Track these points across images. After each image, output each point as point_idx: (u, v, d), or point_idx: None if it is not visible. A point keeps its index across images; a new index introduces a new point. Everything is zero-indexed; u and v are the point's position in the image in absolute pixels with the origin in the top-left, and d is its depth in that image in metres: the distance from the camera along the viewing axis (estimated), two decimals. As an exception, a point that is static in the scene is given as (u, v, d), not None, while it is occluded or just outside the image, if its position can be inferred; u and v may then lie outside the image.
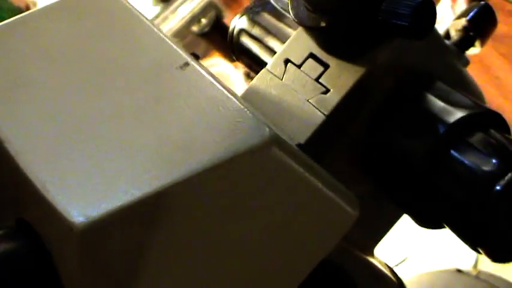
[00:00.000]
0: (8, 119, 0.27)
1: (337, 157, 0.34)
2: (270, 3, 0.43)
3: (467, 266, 0.68)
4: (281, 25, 0.41)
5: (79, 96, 0.28)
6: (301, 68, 0.35)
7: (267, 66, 0.37)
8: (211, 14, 1.04)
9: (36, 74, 0.30)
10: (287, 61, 0.36)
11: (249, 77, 1.02)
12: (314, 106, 0.33)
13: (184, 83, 0.28)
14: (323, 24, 0.32)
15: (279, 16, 0.42)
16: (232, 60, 1.06)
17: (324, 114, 0.33)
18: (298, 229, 0.27)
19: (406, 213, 0.34)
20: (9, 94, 0.29)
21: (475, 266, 0.68)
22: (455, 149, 0.30)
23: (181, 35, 1.04)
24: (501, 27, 0.89)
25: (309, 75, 0.35)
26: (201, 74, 0.28)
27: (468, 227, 0.30)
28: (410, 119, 0.32)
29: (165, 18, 1.03)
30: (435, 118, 0.31)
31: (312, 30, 0.33)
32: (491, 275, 0.63)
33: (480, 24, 0.36)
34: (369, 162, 0.35)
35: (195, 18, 1.03)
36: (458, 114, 0.31)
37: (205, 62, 1.12)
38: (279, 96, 0.35)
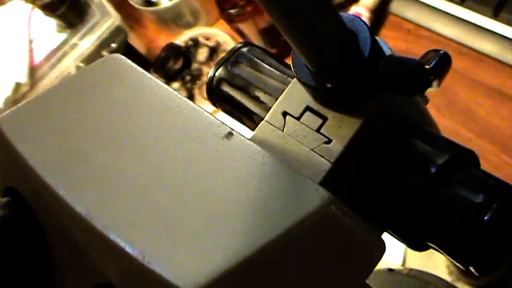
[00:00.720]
0: (83, 193, 0.30)
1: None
2: (245, 55, 0.48)
3: (397, 263, 0.76)
4: (261, 76, 0.46)
5: (141, 169, 0.31)
6: (301, 120, 0.40)
7: (266, 118, 0.41)
8: (120, 37, 1.05)
9: (90, 147, 0.32)
10: (285, 114, 0.41)
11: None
12: (319, 155, 0.38)
13: (234, 153, 0.32)
14: (329, 85, 0.37)
15: (256, 66, 0.47)
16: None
17: (330, 162, 0.38)
18: (345, 269, 0.32)
19: (396, 238, 0.40)
20: (73, 167, 0.31)
21: (403, 263, 0.76)
22: (446, 185, 0.37)
23: (91, 59, 1.05)
24: (400, 44, 0.98)
25: (309, 127, 0.39)
26: (246, 142, 0.32)
27: (459, 250, 0.37)
28: (402, 160, 0.38)
29: (74, 45, 1.04)
30: (426, 160, 0.37)
31: (316, 90, 0.38)
32: (422, 272, 0.71)
33: (441, 70, 0.43)
34: (361, 196, 0.40)
35: (104, 43, 1.04)
36: (444, 156, 0.37)
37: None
38: (283, 147, 0.40)
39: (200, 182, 0.30)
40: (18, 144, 0.34)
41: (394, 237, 0.40)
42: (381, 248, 0.33)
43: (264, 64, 0.46)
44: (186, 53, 1.09)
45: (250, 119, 0.46)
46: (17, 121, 0.35)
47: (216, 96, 0.48)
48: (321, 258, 0.30)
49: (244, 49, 0.48)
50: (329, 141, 0.38)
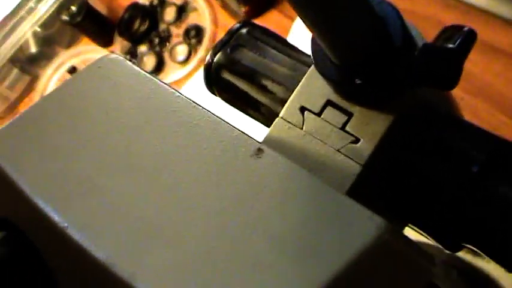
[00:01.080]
0: (99, 233, 0.26)
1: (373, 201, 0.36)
2: (246, 37, 0.43)
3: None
4: (267, 61, 0.41)
5: (160, 199, 0.27)
6: (322, 116, 0.36)
7: (281, 115, 0.37)
8: (80, 1, 0.98)
9: (97, 172, 0.28)
10: (303, 109, 0.37)
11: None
12: (347, 156, 0.34)
13: (269, 175, 0.28)
14: (358, 81, 0.33)
15: (261, 51, 0.42)
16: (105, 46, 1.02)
17: (360, 164, 0.34)
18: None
19: (430, 239, 0.37)
20: (81, 199, 0.27)
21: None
22: (487, 182, 0.33)
23: (50, 25, 0.98)
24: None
25: (332, 124, 0.35)
26: (279, 160, 0.28)
27: (502, 252, 0.34)
28: (438, 155, 0.35)
29: (30, 9, 0.96)
30: (465, 156, 0.34)
31: (340, 85, 0.34)
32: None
33: (467, 50, 0.39)
34: (393, 196, 0.37)
35: (63, 6, 0.97)
36: (484, 151, 0.34)
37: (76, 50, 1.06)
38: (304, 147, 0.36)
39: (235, 216, 0.26)
40: (12, 170, 0.29)
41: (428, 237, 0.37)
42: (432, 266, 0.30)
43: (268, 48, 0.42)
44: (152, 12, 1.02)
45: (256, 110, 0.42)
46: (8, 142, 0.30)
47: (216, 85, 0.43)
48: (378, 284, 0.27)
49: (244, 30, 0.43)
50: (356, 140, 0.34)
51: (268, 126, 0.42)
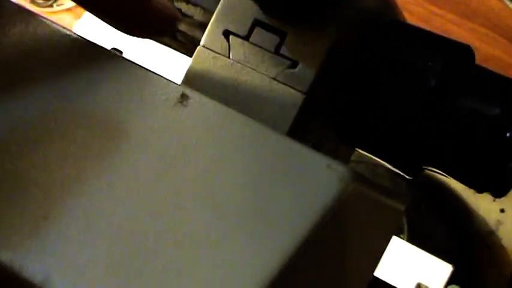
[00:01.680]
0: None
1: (313, 127, 0.31)
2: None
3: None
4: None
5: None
6: (251, 40, 0.30)
7: (202, 43, 0.31)
8: None
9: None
10: (227, 33, 0.31)
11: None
12: (286, 84, 0.29)
13: (197, 126, 0.23)
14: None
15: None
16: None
17: (302, 92, 0.29)
18: (369, 239, 0.25)
19: (388, 163, 0.33)
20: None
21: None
22: (449, 97, 0.29)
23: None
24: None
25: (264, 48, 0.30)
26: (209, 105, 0.23)
27: (473, 173, 0.30)
28: (389, 71, 0.30)
29: None
30: (418, 68, 0.29)
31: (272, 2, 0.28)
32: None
33: None
34: (341, 119, 0.32)
35: None
36: (439, 61, 0.29)
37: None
38: (234, 78, 0.30)
39: (164, 184, 0.21)
40: None
41: (385, 162, 0.33)
42: (401, 209, 0.26)
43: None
44: None
45: (173, 38, 0.36)
46: None
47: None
48: (349, 240, 0.22)
49: None
50: (294, 64, 0.29)
51: (188, 53, 0.36)
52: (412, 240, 0.62)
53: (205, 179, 0.21)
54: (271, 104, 0.29)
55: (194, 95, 0.23)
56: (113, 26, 0.27)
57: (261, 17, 0.30)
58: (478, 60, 0.69)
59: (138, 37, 0.28)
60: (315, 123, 0.31)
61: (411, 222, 0.62)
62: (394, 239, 0.61)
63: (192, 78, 0.31)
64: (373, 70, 0.30)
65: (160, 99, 0.23)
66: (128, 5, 0.25)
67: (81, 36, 0.24)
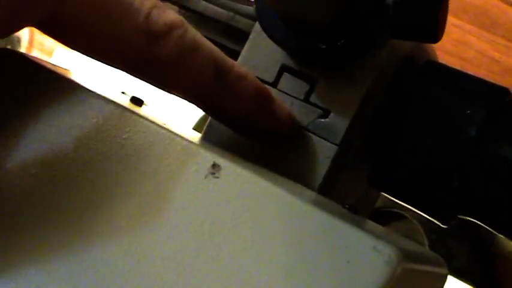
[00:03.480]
0: None
1: (345, 173, 0.30)
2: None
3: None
4: (196, 16, 0.34)
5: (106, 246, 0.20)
6: (278, 87, 0.29)
7: (227, 89, 0.29)
8: None
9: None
10: (254, 79, 0.29)
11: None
12: (317, 135, 0.28)
13: (231, 200, 0.21)
14: (322, 46, 0.26)
15: (189, 2, 0.34)
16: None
17: (336, 144, 0.27)
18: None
19: (421, 212, 0.32)
20: None
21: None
22: (488, 146, 0.28)
23: None
24: None
25: (292, 95, 0.28)
26: (242, 176, 0.21)
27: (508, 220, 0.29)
28: (426, 119, 0.28)
29: None
30: (459, 117, 0.28)
31: (300, 51, 0.27)
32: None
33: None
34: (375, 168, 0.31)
35: None
36: (481, 109, 0.28)
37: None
38: (262, 127, 0.29)
39: (201, 264, 0.20)
40: None
41: (418, 210, 0.31)
42: (446, 273, 0.25)
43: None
44: None
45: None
46: None
47: None
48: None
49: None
50: (326, 113, 0.28)
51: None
52: (433, 261, 0.61)
53: (243, 261, 0.20)
54: (302, 156, 0.28)
55: (226, 165, 0.21)
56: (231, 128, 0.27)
57: (289, 62, 0.29)
58: (498, 73, 0.67)
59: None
60: (347, 169, 0.29)
61: (433, 243, 0.60)
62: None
63: (215, 128, 0.29)
64: (408, 115, 0.28)
65: (190, 170, 0.21)
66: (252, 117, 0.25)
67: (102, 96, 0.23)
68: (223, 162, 0.21)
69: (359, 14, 0.25)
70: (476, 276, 0.60)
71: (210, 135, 0.29)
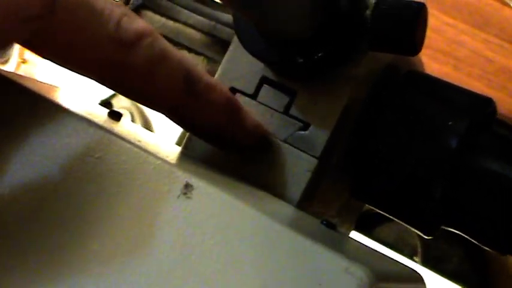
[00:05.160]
0: None
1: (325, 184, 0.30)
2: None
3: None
4: (178, 26, 0.33)
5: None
6: (258, 99, 0.29)
7: (207, 100, 0.29)
8: None
9: None
10: (233, 90, 0.29)
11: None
12: (297, 148, 0.27)
13: (203, 220, 0.21)
14: (300, 60, 0.25)
15: (169, 12, 0.34)
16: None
17: (315, 157, 0.27)
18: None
19: (402, 223, 0.31)
20: None
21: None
22: (471, 157, 0.27)
23: None
24: None
25: (272, 108, 0.28)
26: (214, 196, 0.21)
27: (493, 235, 0.29)
28: (406, 129, 0.28)
29: None
30: (440, 127, 0.27)
31: (278, 64, 0.27)
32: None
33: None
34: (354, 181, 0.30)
35: None
36: (464, 120, 0.27)
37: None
38: (242, 140, 0.28)
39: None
40: None
41: (401, 221, 0.31)
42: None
43: (177, 7, 0.33)
44: None
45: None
46: None
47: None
48: None
49: (144, -14, 0.34)
50: (306, 126, 0.27)
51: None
52: (426, 263, 0.61)
53: (214, 284, 0.20)
54: (282, 169, 0.28)
55: (198, 185, 0.21)
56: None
57: (269, 74, 0.28)
58: (493, 72, 0.67)
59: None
60: (326, 181, 0.29)
61: (425, 246, 0.60)
62: (408, 262, 0.59)
63: (194, 141, 0.29)
64: (388, 125, 0.28)
65: (163, 190, 0.21)
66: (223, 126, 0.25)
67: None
68: (196, 181, 0.21)
69: (337, 26, 0.25)
70: (469, 278, 0.60)
71: (190, 149, 0.28)
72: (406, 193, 0.28)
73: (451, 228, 0.30)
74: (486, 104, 0.28)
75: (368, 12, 0.25)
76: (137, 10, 0.34)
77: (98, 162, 0.22)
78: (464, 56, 0.69)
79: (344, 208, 0.32)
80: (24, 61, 0.86)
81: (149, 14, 0.34)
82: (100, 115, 0.25)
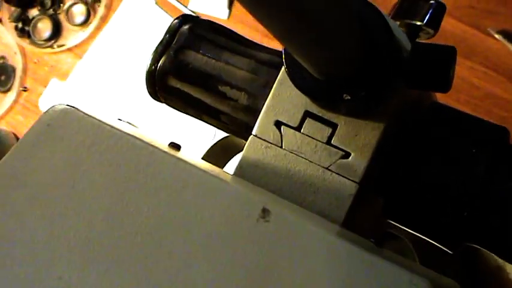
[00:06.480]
0: None
1: (363, 210, 0.33)
2: (190, 36, 0.38)
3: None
4: (221, 64, 0.37)
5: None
6: (302, 131, 0.32)
7: (254, 132, 0.33)
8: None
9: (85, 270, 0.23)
10: (279, 123, 0.32)
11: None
12: (339, 174, 0.31)
13: (281, 242, 0.24)
14: (347, 97, 0.29)
15: (212, 52, 0.37)
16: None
17: (356, 183, 0.31)
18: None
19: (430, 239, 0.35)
20: None
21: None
22: (495, 183, 0.31)
23: None
24: None
25: (315, 139, 0.32)
26: (290, 220, 0.24)
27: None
28: (436, 160, 0.32)
29: None
30: (466, 159, 0.31)
31: (323, 99, 0.30)
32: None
33: (438, 22, 0.35)
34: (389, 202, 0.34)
35: None
36: (487, 150, 0.31)
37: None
38: (288, 168, 0.32)
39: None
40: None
41: (429, 238, 0.35)
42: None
43: (219, 47, 0.37)
44: (37, -29, 0.92)
45: (215, 118, 0.37)
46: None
47: (163, 92, 0.38)
48: None
49: (185, 28, 0.38)
50: (347, 155, 0.31)
51: (230, 133, 0.38)
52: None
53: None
54: (326, 194, 0.31)
55: (275, 209, 0.24)
56: None
57: (312, 108, 0.32)
58: (479, 98, 0.71)
59: None
60: (364, 204, 0.33)
61: (421, 258, 0.63)
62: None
63: (245, 168, 0.32)
64: (420, 153, 0.32)
65: (242, 215, 0.24)
66: None
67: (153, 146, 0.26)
68: (272, 207, 0.24)
69: (379, 67, 0.28)
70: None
71: (241, 175, 0.31)
72: (435, 214, 0.32)
73: (475, 243, 0.33)
74: (502, 131, 0.32)
75: (405, 54, 0.29)
76: (180, 50, 0.37)
77: (183, 191, 0.25)
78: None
79: (373, 227, 0.35)
80: (25, 89, 0.89)
81: (192, 53, 0.37)
82: (164, 145, 0.29)
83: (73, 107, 0.27)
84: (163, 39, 0.37)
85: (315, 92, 0.29)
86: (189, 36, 0.37)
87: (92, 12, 0.89)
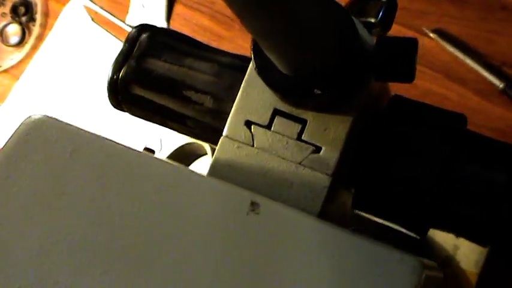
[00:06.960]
0: None
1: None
2: (150, 44, 0.38)
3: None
4: (184, 70, 0.37)
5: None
6: (273, 129, 0.33)
7: (225, 133, 0.33)
8: None
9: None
10: (249, 123, 0.33)
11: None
12: (312, 168, 0.32)
13: (272, 231, 0.25)
14: (318, 92, 0.30)
15: (173, 58, 0.38)
16: None
17: (329, 175, 0.32)
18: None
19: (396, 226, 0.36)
20: None
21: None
22: (458, 169, 0.33)
23: None
24: None
25: (286, 136, 0.32)
26: (280, 210, 0.25)
27: (485, 234, 0.34)
28: (400, 150, 0.33)
29: None
30: (429, 147, 0.33)
31: (293, 95, 0.31)
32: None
33: (390, 20, 0.37)
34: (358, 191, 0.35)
35: None
36: (448, 141, 0.33)
37: None
38: (261, 166, 0.32)
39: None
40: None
41: (397, 225, 0.36)
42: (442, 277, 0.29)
43: (181, 54, 0.37)
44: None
45: (181, 124, 0.38)
46: None
47: (126, 101, 0.38)
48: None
49: (144, 36, 0.38)
50: (318, 149, 0.32)
51: (196, 137, 0.38)
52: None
53: (294, 282, 0.23)
54: (301, 188, 0.32)
55: (263, 201, 0.25)
56: None
57: (280, 106, 0.32)
58: (418, 96, 0.74)
59: None
60: (336, 197, 0.34)
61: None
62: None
63: (219, 168, 0.32)
64: (386, 143, 0.33)
65: (231, 209, 0.25)
66: None
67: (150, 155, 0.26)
68: (261, 199, 0.25)
69: (351, 63, 0.29)
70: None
71: (215, 173, 0.32)
72: (403, 203, 0.33)
73: (439, 228, 0.35)
74: (460, 117, 0.33)
75: (370, 49, 0.30)
76: (142, 58, 0.37)
77: (172, 191, 0.25)
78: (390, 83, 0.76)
79: (342, 219, 0.36)
80: None
81: (154, 60, 0.37)
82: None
83: (49, 116, 0.27)
84: (122, 49, 0.38)
85: (285, 89, 0.30)
86: (149, 44, 0.37)
87: (27, 32, 0.88)
